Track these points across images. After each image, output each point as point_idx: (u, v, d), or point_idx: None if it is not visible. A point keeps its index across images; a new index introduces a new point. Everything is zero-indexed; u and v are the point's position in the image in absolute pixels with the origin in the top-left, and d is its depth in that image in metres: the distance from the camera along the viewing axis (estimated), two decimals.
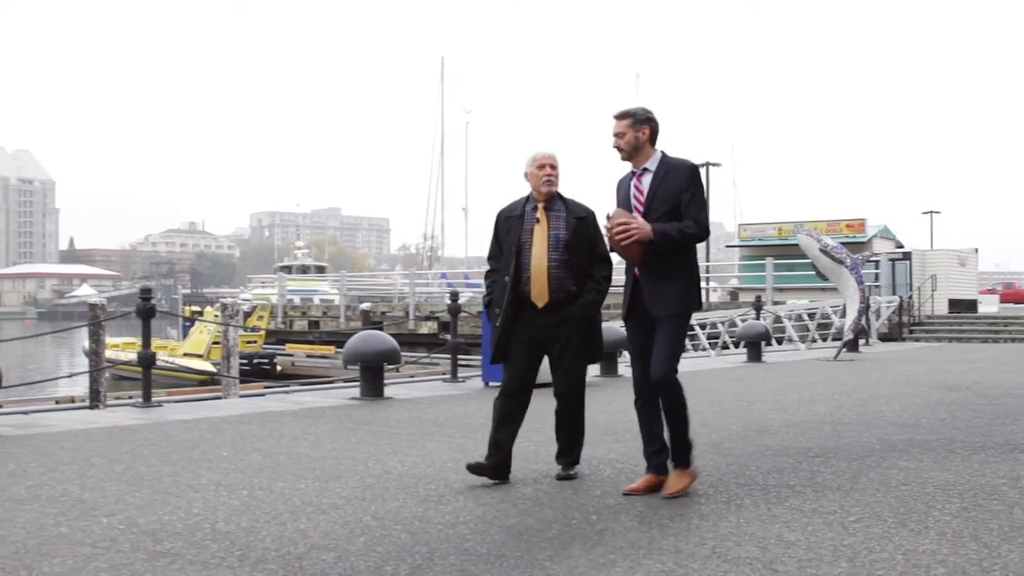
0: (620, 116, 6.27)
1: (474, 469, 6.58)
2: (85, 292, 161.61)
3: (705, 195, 6.32)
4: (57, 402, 21.09)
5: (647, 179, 6.23)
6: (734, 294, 43.49)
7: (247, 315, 37.72)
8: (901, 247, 42.91)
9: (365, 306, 39.78)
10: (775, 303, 32.45)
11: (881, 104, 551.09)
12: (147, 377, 11.63)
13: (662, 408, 6.22)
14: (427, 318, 40.43)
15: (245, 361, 29.59)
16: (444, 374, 18.14)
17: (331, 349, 35.98)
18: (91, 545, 4.96)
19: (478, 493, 6.25)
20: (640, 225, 6.03)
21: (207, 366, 29.58)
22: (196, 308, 50.01)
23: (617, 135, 6.25)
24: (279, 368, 34.67)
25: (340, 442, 8.46)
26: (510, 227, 6.77)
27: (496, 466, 6.64)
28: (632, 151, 6.24)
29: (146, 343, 11.84)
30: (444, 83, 77.98)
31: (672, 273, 6.15)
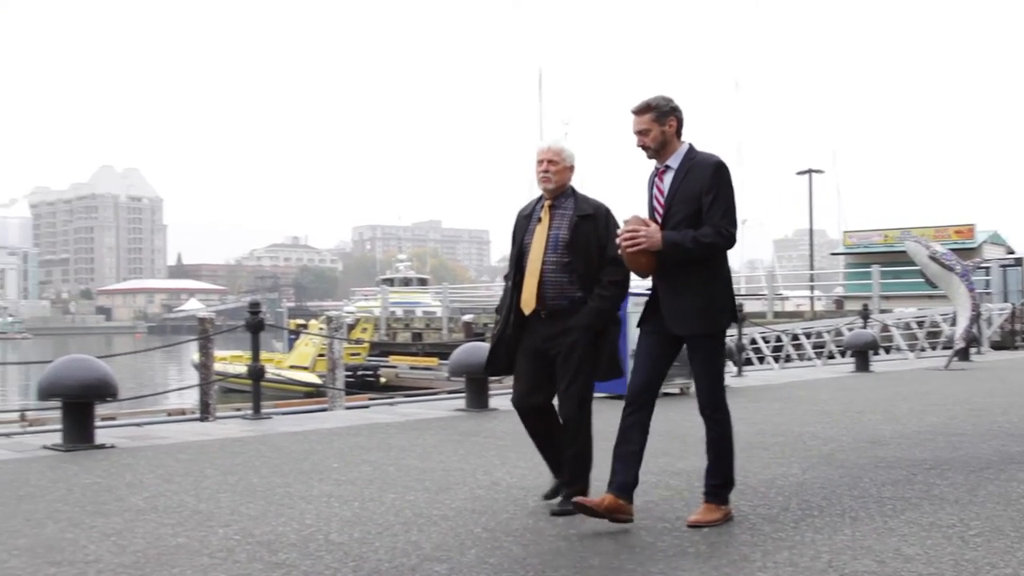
0: (640, 110, 5.63)
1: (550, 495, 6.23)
2: (193, 306, 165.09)
3: (732, 196, 5.56)
4: (169, 414, 21.53)
5: (669, 177, 5.63)
6: (839, 302, 42.80)
7: (351, 328, 38.16)
8: (1012, 253, 41.92)
9: (467, 318, 39.82)
10: (882, 311, 31.87)
11: (990, 105, 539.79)
12: (257, 389, 11.80)
13: (706, 436, 5.79)
14: None
15: (350, 373, 29.92)
16: None
17: (434, 361, 36.23)
18: (208, 555, 5.04)
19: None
20: (648, 233, 5.43)
21: (313, 378, 29.95)
22: (301, 321, 50.66)
23: (640, 132, 5.64)
24: (383, 380, 34.99)
25: (448, 453, 8.50)
26: (520, 228, 6.28)
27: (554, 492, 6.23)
28: (660, 147, 5.63)
29: (255, 356, 12.01)
30: (542, 94, 78.04)
31: (689, 287, 5.53)
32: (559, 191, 6.15)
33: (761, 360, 28.05)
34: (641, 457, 5.69)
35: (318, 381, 27.92)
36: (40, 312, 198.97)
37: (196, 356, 20.29)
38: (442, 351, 36.07)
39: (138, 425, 12.49)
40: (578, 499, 5.61)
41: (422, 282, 71.62)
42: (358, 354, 36.30)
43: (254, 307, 12.11)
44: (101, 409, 9.87)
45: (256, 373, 11.82)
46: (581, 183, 6.32)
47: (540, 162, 6.13)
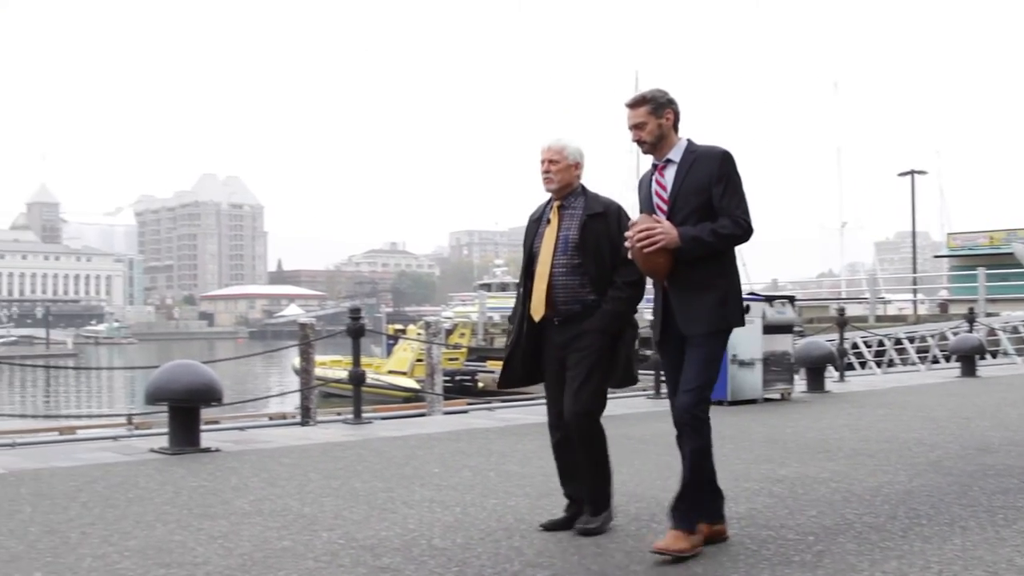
0: (635, 103, 5.34)
1: (549, 527, 5.74)
2: (293, 312, 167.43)
3: (742, 186, 5.23)
4: (270, 418, 21.79)
5: (671, 172, 5.29)
6: (943, 306, 42.00)
7: (449, 333, 38.35)
8: None
9: None
10: (988, 315, 31.20)
11: None
12: (357, 394, 11.91)
13: (682, 450, 5.24)
14: None
15: (448, 378, 30.06)
16: (645, 390, 18.05)
17: None
18: (313, 559, 5.10)
19: None
20: (665, 229, 5.07)
21: (412, 383, 30.18)
22: (399, 326, 51.05)
23: (636, 127, 5.32)
24: (481, 385, 35.08)
25: (547, 459, 8.40)
26: (530, 232, 5.95)
27: (571, 519, 5.75)
28: (656, 142, 5.31)
29: (356, 361, 12.12)
30: None
31: (705, 283, 5.17)
32: (566, 191, 5.79)
33: (863, 365, 27.62)
34: (714, 475, 5.33)
35: (416, 386, 28.14)
36: (145, 317, 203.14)
37: (297, 361, 20.56)
38: None
39: (241, 429, 12.68)
40: (659, 548, 4.99)
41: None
42: (456, 359, 36.46)
43: (355, 312, 12.22)
44: (205, 413, 10.04)
45: (357, 378, 11.93)
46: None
47: (542, 162, 5.81)
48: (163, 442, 9.32)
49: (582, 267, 5.62)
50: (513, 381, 5.88)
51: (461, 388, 32.73)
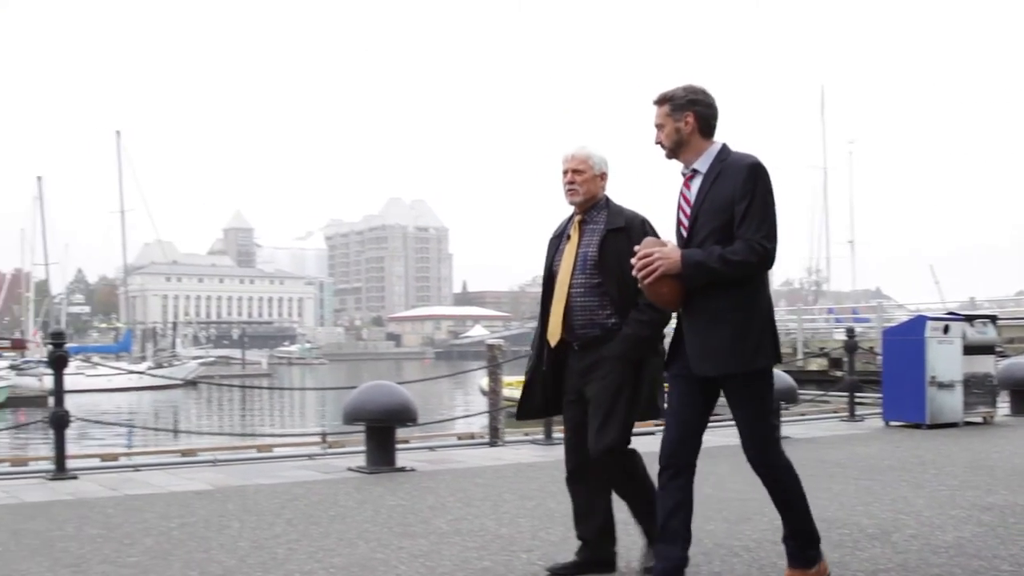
0: (658, 101, 4.77)
1: (557, 572, 5.26)
2: (478, 332, 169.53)
3: (771, 204, 4.56)
4: (459, 438, 22.02)
5: (696, 184, 4.68)
6: None
7: None
8: None
9: None
10: None
11: None
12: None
13: (771, 497, 4.79)
14: (816, 354, 39.53)
15: None
16: (836, 412, 17.63)
17: None
18: None
19: (896, 540, 6.00)
20: (664, 254, 4.49)
21: None
22: None
23: (657, 127, 4.77)
24: (667, 406, 34.79)
25: (741, 482, 8.31)
26: (551, 249, 5.45)
27: (583, 564, 5.30)
28: (675, 147, 4.72)
29: None
30: (825, 112, 76.38)
31: (718, 316, 4.52)
32: (589, 204, 5.29)
33: None
34: (685, 531, 4.75)
35: None
36: (335, 338, 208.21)
37: (484, 382, 20.67)
38: None
39: (431, 449, 12.81)
40: None
41: None
42: None
43: None
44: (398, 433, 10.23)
45: None
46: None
47: (564, 172, 5.32)
48: (359, 461, 9.52)
49: (602, 287, 5.14)
50: (532, 412, 5.44)
51: None
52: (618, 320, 5.09)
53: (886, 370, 13.21)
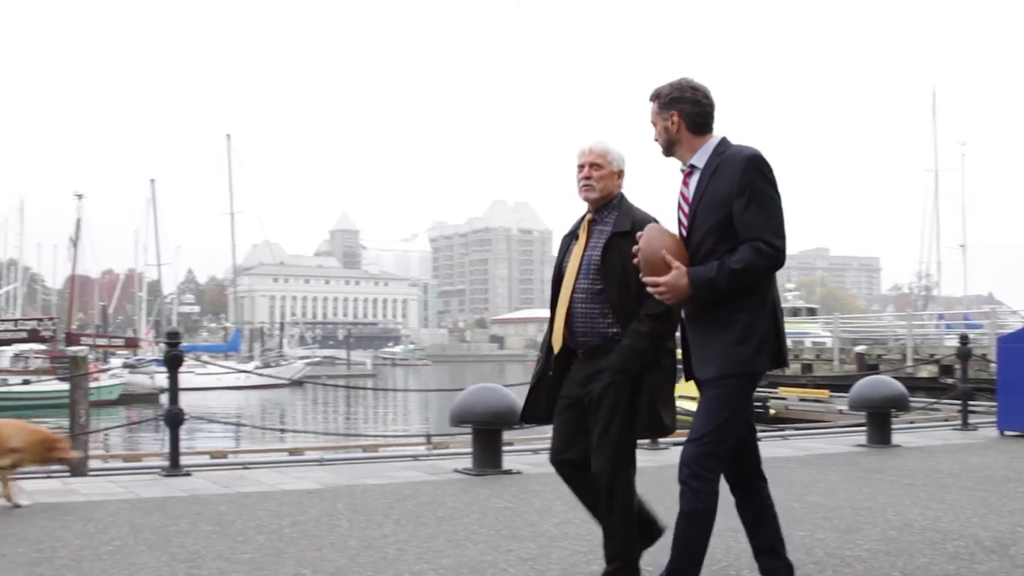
0: (650, 98, 4.58)
1: None
2: None
3: (775, 198, 4.34)
4: None
5: (694, 180, 4.47)
6: None
7: None
8: None
9: (860, 349, 38.86)
10: None
11: None
12: None
13: (679, 512, 4.46)
14: (926, 361, 38.82)
15: None
16: (947, 420, 17.28)
17: (825, 393, 35.35)
18: None
19: (1015, 553, 5.85)
20: (670, 285, 4.30)
21: None
22: None
23: (652, 124, 4.59)
24: (772, 412, 34.46)
25: (853, 491, 8.23)
26: (562, 249, 5.20)
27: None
28: (667, 145, 4.55)
29: None
30: (936, 114, 74.86)
31: (722, 319, 4.34)
32: (604, 201, 5.01)
33: None
34: (777, 543, 4.68)
35: None
36: (438, 340, 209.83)
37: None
38: (833, 383, 35.17)
39: (534, 452, 12.84)
40: None
41: (811, 312, 70.10)
42: None
43: None
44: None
45: None
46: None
47: (581, 167, 5.03)
48: (465, 463, 9.57)
49: (603, 294, 4.86)
50: (536, 417, 5.20)
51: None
52: (619, 329, 4.83)
53: (1001, 378, 12.89)
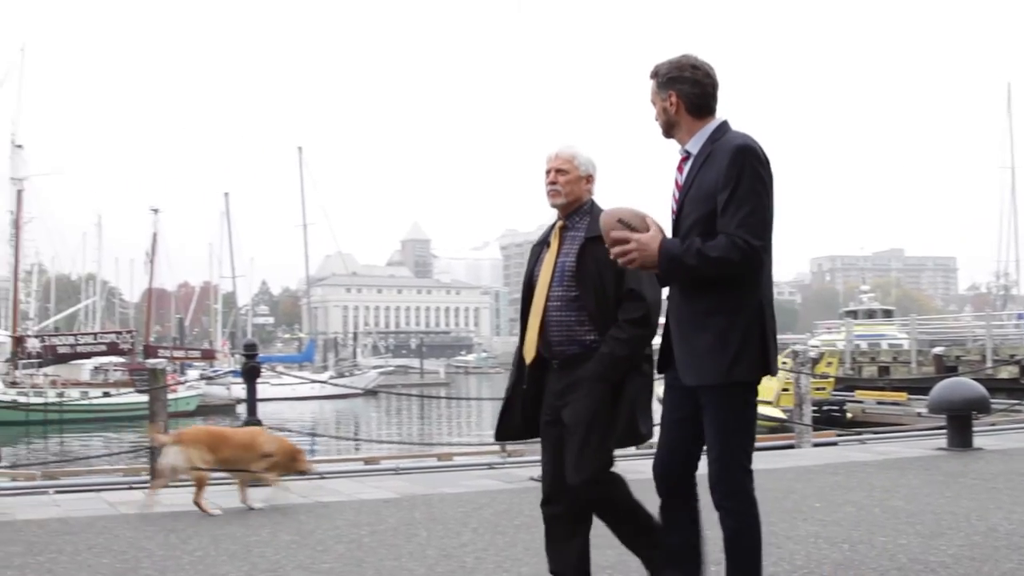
0: (650, 76, 4.29)
1: None
2: (654, 342, 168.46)
3: (759, 194, 3.97)
4: (637, 448, 21.95)
5: (687, 168, 4.19)
6: None
7: (815, 361, 37.51)
8: None
9: (938, 350, 38.28)
10: None
11: None
12: None
13: (725, 546, 4.29)
14: (1006, 362, 38.16)
15: (815, 408, 29.39)
16: None
17: (903, 395, 34.92)
18: None
19: None
20: (642, 244, 3.98)
21: (778, 413, 29.67)
22: None
23: (651, 103, 4.32)
24: (849, 415, 34.08)
25: (935, 496, 8.12)
26: (532, 257, 5.07)
27: None
28: (666, 127, 4.27)
29: None
30: (1011, 110, 73.62)
31: (701, 320, 4.05)
32: (572, 207, 4.91)
33: None
34: (697, 556, 4.47)
35: (783, 416, 27.65)
36: (511, 347, 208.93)
37: (660, 390, 20.60)
38: (911, 385, 34.75)
39: None
40: None
41: (887, 314, 69.21)
42: (823, 388, 35.58)
43: None
44: None
45: None
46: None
47: (547, 172, 4.95)
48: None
49: (579, 301, 4.73)
50: (511, 432, 5.07)
51: (829, 419, 31.88)
52: (597, 337, 4.71)
53: None
